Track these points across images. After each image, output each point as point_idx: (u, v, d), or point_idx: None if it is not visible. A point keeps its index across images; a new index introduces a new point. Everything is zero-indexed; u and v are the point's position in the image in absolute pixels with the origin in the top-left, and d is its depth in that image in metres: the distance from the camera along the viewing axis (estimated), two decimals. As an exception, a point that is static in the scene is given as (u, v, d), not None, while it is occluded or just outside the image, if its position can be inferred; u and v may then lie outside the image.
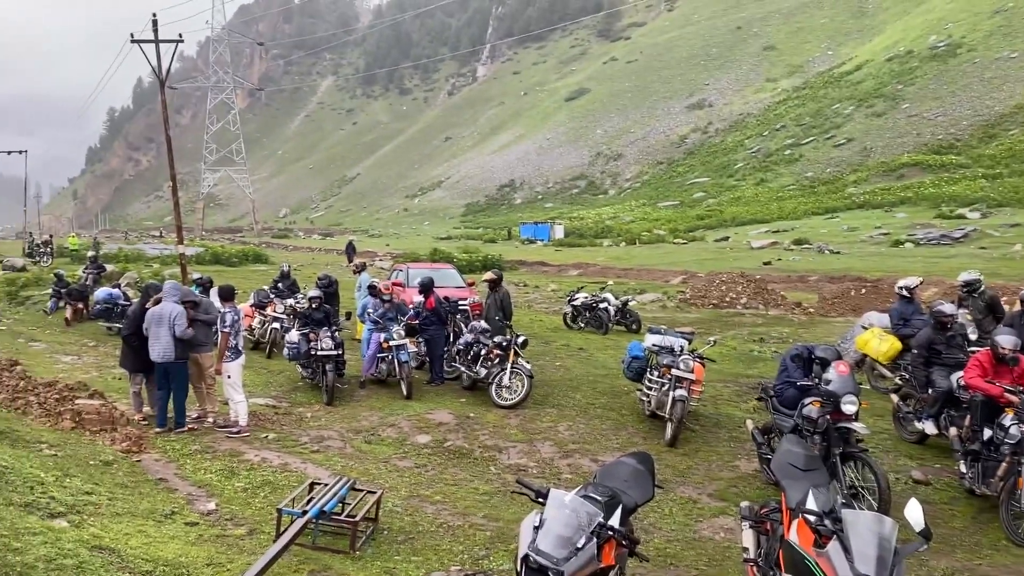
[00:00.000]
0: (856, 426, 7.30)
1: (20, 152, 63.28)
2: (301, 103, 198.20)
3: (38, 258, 40.53)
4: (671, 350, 10.38)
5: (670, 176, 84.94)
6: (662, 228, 56.79)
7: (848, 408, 7.28)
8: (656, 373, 10.33)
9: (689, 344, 10.71)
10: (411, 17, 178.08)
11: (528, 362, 12.04)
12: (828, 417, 7.30)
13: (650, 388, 10.42)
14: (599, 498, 4.36)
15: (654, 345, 10.67)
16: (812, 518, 4.12)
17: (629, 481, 4.85)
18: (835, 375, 7.53)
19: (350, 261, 40.38)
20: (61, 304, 21.62)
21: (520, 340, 11.84)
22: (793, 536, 4.18)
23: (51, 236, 54.81)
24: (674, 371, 9.82)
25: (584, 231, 60.63)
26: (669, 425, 9.73)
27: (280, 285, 19.15)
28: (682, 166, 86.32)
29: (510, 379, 11.49)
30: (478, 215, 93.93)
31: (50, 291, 22.61)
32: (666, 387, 9.92)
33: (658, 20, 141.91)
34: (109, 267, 28.80)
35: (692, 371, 9.81)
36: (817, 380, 7.79)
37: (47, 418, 9.42)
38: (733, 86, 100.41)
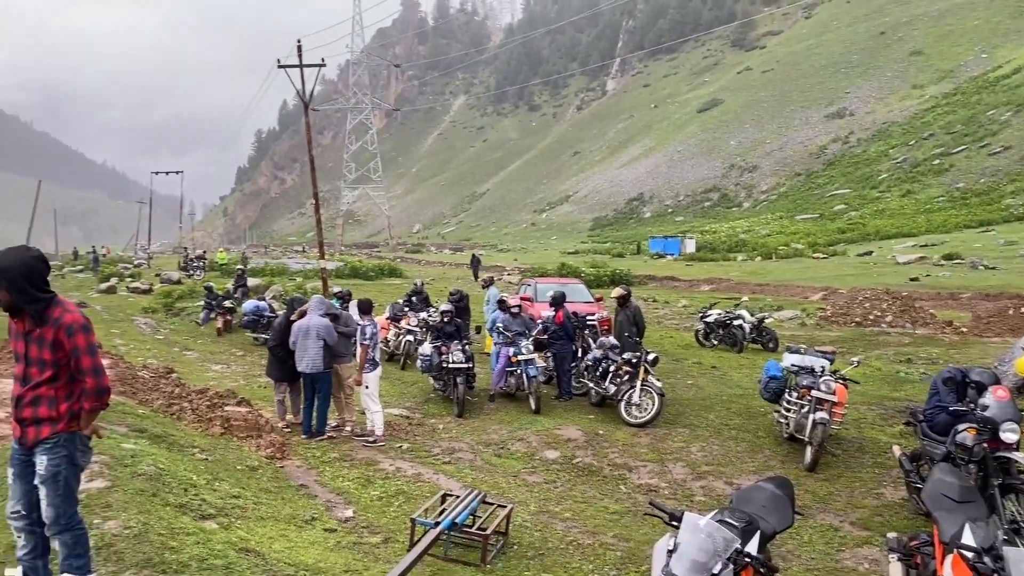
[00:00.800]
0: (1018, 456, 6.77)
1: (177, 173, 68.19)
2: (434, 122, 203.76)
3: (192, 272, 43.27)
4: (811, 370, 9.99)
5: (808, 188, 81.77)
6: (800, 242, 54.67)
7: (1008, 436, 6.76)
8: (795, 394, 9.96)
9: (831, 364, 10.26)
10: (542, 34, 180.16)
11: (659, 380, 11.85)
12: (985, 445, 6.80)
13: (788, 410, 10.04)
14: (736, 523, 4.21)
15: (793, 365, 10.30)
16: (970, 554, 3.84)
17: (767, 506, 4.67)
18: (993, 400, 7.01)
19: (475, 276, 40.95)
20: (212, 315, 23.05)
21: (650, 357, 11.67)
22: (947, 572, 3.91)
23: (204, 251, 58.59)
24: (815, 392, 9.44)
25: (716, 245, 59.17)
26: (809, 449, 9.34)
27: (414, 299, 19.68)
28: (821, 177, 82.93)
29: (640, 397, 11.32)
30: (606, 229, 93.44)
31: (202, 303, 24.14)
32: (806, 409, 9.53)
33: (795, 28, 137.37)
34: (255, 281, 30.47)
35: (834, 393, 9.38)
36: (972, 405, 7.28)
37: (199, 423, 10.01)
38: (876, 94, 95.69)
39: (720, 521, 4.17)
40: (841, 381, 9.75)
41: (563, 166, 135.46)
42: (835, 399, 9.38)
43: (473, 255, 48.44)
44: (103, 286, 33.78)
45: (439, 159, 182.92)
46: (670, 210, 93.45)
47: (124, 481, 6.12)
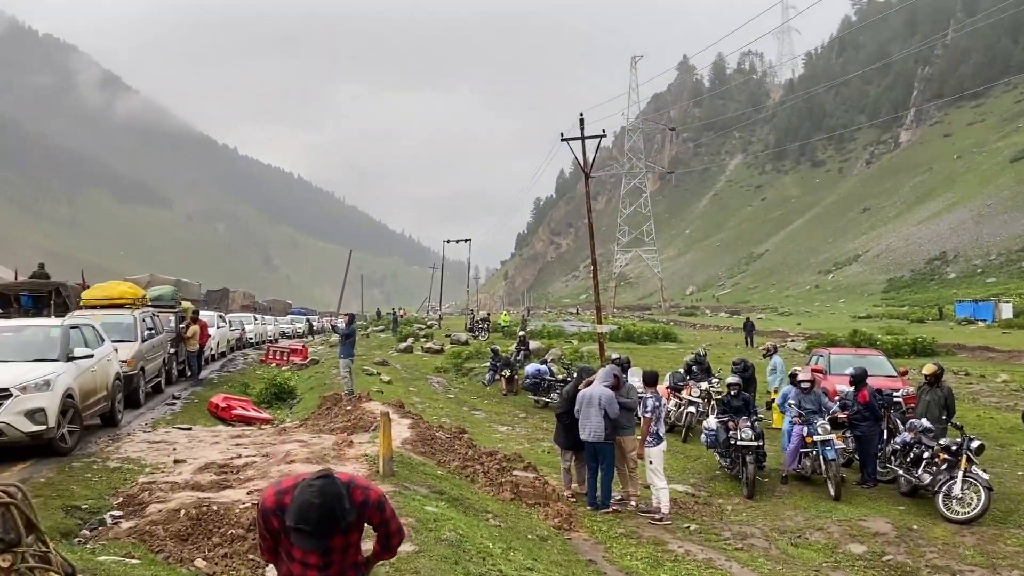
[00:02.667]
0: None
1: (466, 240, 73.38)
2: (709, 182, 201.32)
3: (477, 333, 45.81)
4: None
5: None
6: None
7: None
8: None
9: None
10: (825, 88, 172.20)
11: (984, 471, 10.39)
12: None
13: None
14: None
15: None
16: None
17: None
18: None
19: (749, 341, 39.15)
20: (496, 376, 24.12)
21: (974, 444, 10.27)
22: None
23: (488, 313, 62.00)
24: None
25: (1039, 310, 51.96)
26: None
27: (694, 368, 19.16)
28: None
29: (962, 489, 9.97)
30: (902, 291, 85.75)
31: (488, 364, 25.35)
32: None
33: None
34: (535, 344, 31.47)
35: None
36: None
37: (490, 487, 10.33)
38: None
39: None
40: None
41: (851, 224, 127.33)
42: None
43: (747, 319, 46.27)
44: (401, 346, 36.68)
45: (714, 219, 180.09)
46: (979, 270, 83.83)
47: (429, 546, 6.39)
